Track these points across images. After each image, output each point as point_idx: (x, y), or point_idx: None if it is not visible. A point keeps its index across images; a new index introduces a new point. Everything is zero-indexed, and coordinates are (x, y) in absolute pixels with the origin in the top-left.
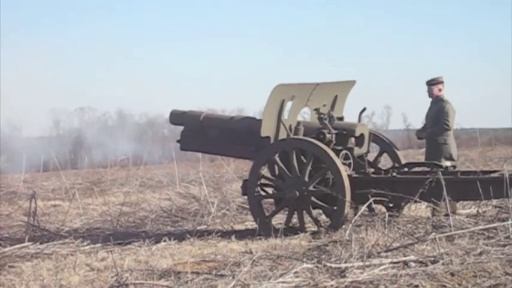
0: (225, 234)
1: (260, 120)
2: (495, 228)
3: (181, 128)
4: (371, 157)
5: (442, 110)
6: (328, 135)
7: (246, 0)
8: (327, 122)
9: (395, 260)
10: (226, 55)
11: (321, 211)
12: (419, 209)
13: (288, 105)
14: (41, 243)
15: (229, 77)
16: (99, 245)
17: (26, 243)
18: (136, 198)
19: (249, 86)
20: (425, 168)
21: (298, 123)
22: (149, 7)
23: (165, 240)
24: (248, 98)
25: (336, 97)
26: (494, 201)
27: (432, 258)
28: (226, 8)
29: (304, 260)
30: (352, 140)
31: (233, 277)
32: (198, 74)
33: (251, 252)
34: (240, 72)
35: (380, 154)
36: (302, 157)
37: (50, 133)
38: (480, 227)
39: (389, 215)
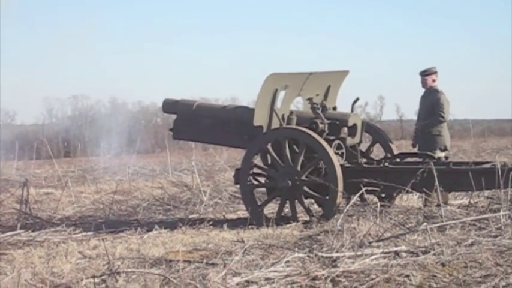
0: (217, 223)
1: (253, 110)
2: (487, 219)
3: (175, 116)
4: (363, 147)
5: (437, 101)
6: (320, 125)
7: None
8: (319, 111)
9: (386, 250)
10: (219, 44)
11: (313, 201)
12: (411, 199)
13: (281, 94)
14: (32, 231)
15: (222, 66)
16: (91, 233)
17: (18, 231)
18: (129, 187)
19: (242, 76)
20: (418, 159)
21: (291, 112)
22: None
23: (156, 229)
24: (241, 88)
25: (329, 87)
26: (486, 192)
27: (423, 249)
28: None
29: (296, 249)
30: (345, 130)
31: (224, 266)
32: (191, 63)
33: (243, 241)
34: (233, 62)
35: (372, 144)
36: (295, 147)
37: (43, 121)
38: (472, 217)
39: (381, 205)
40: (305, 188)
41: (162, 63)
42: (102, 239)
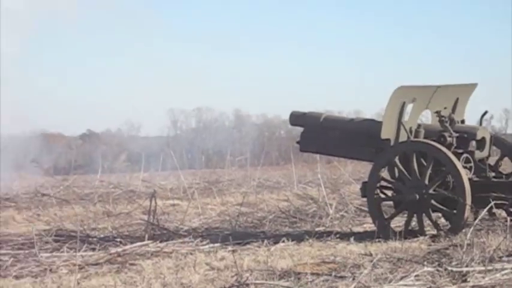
0: (344, 236)
1: (380, 122)
2: None
3: (300, 129)
4: (492, 161)
5: None
6: (449, 138)
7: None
8: (447, 124)
9: None
10: (343, 57)
11: (440, 214)
12: None
13: (409, 107)
14: (160, 242)
15: (346, 79)
16: (218, 244)
17: (146, 242)
18: (254, 199)
19: (366, 89)
20: None
21: (419, 125)
22: (274, 7)
23: (283, 241)
24: (365, 101)
25: (457, 100)
26: None
27: None
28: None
29: (425, 263)
30: (473, 143)
31: (353, 279)
32: (314, 75)
33: (371, 255)
34: (356, 75)
35: (501, 158)
36: (422, 160)
37: (167, 133)
38: None
39: (511, 220)
40: (432, 201)
41: (286, 74)
42: (230, 251)
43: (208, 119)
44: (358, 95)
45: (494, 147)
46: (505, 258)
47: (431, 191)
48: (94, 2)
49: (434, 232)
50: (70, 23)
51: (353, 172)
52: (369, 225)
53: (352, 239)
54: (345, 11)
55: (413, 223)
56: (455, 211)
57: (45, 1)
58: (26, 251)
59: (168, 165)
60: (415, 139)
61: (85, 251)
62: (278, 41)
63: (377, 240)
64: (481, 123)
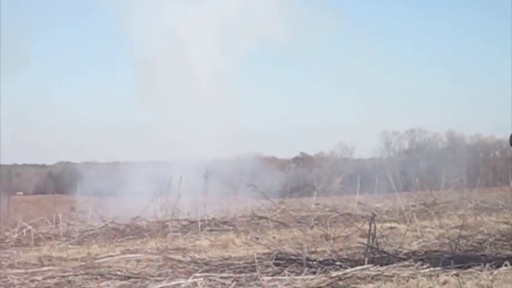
0: None
1: None
2: None
3: None
4: None
5: None
6: None
7: None
8: None
9: None
10: None
11: None
12: None
13: None
14: (380, 265)
15: None
16: (439, 268)
17: (367, 265)
18: (473, 221)
19: None
20: None
21: None
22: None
23: (506, 265)
24: None
25: None
26: None
27: None
28: None
29: None
30: None
31: None
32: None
33: None
34: None
35: None
36: None
37: (380, 155)
38: None
39: None
40: None
41: (498, 94)
42: (454, 275)
43: (421, 141)
44: None
45: None
46: None
47: None
48: (307, 31)
49: None
50: (282, 49)
51: None
52: None
53: None
54: None
55: None
56: None
57: (259, 29)
58: (248, 275)
59: (382, 188)
60: None
61: (306, 274)
62: (490, 60)
63: None
64: None
